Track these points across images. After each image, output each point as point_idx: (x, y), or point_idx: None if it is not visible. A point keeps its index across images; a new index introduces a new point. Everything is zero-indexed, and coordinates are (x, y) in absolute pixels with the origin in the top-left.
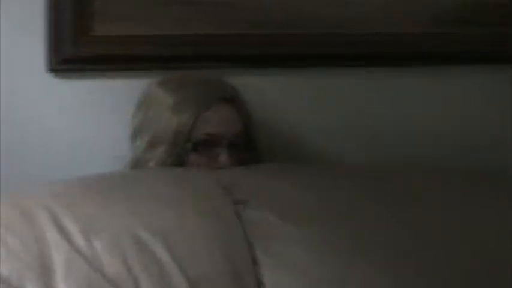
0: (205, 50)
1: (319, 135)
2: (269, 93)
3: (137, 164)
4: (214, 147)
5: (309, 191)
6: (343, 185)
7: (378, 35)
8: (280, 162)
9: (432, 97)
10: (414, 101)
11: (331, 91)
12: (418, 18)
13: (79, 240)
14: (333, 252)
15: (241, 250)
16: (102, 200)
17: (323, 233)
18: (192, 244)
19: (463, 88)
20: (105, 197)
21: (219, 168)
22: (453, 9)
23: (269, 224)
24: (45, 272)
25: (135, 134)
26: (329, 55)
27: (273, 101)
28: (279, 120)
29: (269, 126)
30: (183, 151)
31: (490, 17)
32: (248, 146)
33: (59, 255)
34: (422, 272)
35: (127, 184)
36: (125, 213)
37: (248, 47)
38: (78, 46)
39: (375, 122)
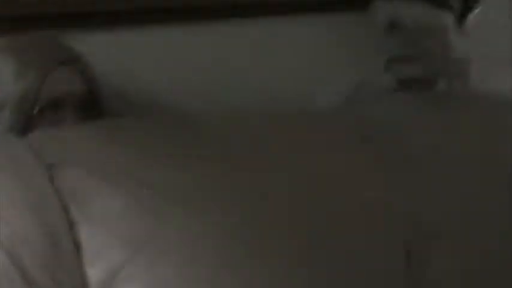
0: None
1: (168, 93)
2: (111, 53)
3: None
4: (60, 111)
5: (133, 150)
6: (171, 142)
7: None
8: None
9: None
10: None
11: (172, 47)
12: None
13: None
14: (152, 213)
15: (56, 213)
16: None
17: (144, 194)
18: (3, 210)
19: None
20: None
21: None
22: None
23: (85, 186)
24: None
25: None
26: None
27: (116, 61)
28: (125, 80)
29: (115, 87)
30: (30, 116)
31: None
32: (94, 109)
33: None
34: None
35: None
36: None
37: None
38: None
39: (218, 75)
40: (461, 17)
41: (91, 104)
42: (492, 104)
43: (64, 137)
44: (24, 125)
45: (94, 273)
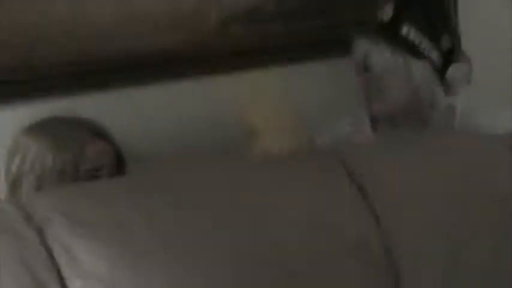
0: None
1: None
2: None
3: None
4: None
5: (116, 212)
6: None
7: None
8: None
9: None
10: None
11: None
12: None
13: None
14: (132, 263)
15: (47, 271)
16: None
17: (124, 246)
18: None
19: None
20: None
21: None
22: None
23: (75, 246)
24: None
25: (17, 181)
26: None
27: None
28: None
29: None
30: None
31: None
32: (122, 173)
33: None
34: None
35: None
36: None
37: None
38: None
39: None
40: (443, 69)
41: (120, 169)
42: (472, 141)
43: (55, 196)
44: None
45: None
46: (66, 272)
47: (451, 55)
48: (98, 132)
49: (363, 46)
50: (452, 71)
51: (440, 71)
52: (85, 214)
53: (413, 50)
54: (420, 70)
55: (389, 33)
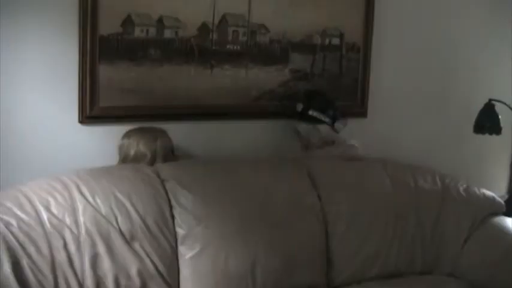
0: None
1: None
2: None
3: None
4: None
5: (205, 174)
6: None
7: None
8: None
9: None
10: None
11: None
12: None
13: (89, 198)
14: (205, 209)
15: (164, 202)
16: (99, 178)
17: (203, 200)
18: (140, 198)
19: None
20: (99, 177)
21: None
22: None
23: (180, 192)
24: (74, 213)
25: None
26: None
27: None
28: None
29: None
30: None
31: None
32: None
33: (80, 204)
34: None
35: (110, 171)
36: (110, 185)
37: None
38: (92, 110)
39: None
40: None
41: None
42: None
43: (172, 166)
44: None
45: (180, 231)
46: (173, 203)
47: (335, 118)
48: (162, 131)
49: (301, 128)
50: (337, 125)
51: (332, 125)
52: (186, 182)
53: (318, 121)
54: (325, 129)
55: (305, 117)
